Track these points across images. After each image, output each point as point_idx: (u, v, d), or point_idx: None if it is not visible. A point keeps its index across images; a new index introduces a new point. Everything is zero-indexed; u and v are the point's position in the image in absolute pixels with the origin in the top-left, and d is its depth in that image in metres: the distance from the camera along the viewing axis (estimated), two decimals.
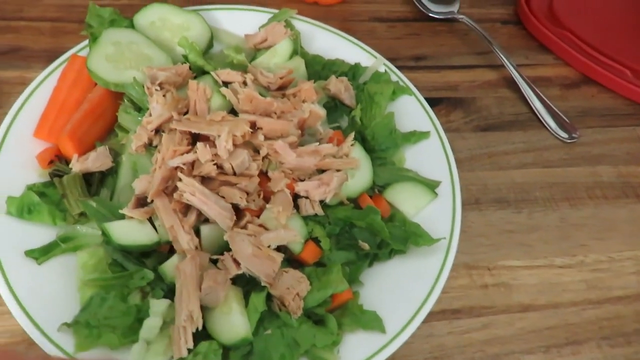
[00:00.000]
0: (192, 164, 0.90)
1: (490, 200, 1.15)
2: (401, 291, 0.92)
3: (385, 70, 1.18)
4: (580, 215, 1.16)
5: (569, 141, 1.27)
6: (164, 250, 0.90)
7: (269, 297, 0.86)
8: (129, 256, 0.86)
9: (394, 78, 1.17)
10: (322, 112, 1.01)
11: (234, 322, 0.82)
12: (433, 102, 1.19)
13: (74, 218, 0.90)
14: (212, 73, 1.03)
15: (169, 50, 1.09)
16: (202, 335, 0.81)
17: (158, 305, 0.81)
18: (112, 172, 0.96)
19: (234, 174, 0.90)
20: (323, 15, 1.32)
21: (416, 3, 1.47)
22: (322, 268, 0.91)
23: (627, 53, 1.39)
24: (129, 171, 0.95)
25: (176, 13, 1.14)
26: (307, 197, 0.94)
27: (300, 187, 0.93)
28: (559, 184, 1.20)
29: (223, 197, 0.88)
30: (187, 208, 0.88)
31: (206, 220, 0.89)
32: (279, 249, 0.88)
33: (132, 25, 1.11)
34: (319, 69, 1.19)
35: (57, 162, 0.95)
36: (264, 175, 0.94)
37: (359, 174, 0.99)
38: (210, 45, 1.15)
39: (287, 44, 1.14)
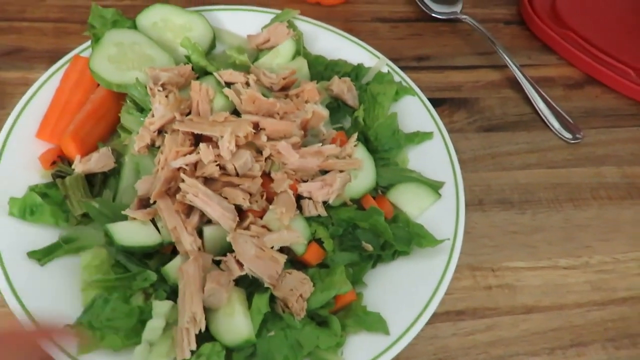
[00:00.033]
0: (195, 165, 0.90)
1: (494, 201, 1.15)
2: (405, 292, 0.91)
3: (388, 71, 1.18)
4: (584, 216, 1.15)
5: (572, 142, 1.27)
6: (167, 251, 0.89)
7: (272, 299, 0.85)
8: (132, 257, 0.86)
9: (396, 78, 1.17)
10: (325, 112, 1.01)
11: (237, 323, 0.81)
12: (436, 103, 1.19)
13: (76, 219, 0.90)
14: (215, 74, 1.03)
15: (171, 51, 1.09)
16: (205, 336, 0.80)
17: (161, 307, 0.81)
18: (114, 173, 0.96)
19: (237, 174, 0.90)
20: (325, 16, 1.31)
21: (419, 3, 1.47)
22: (325, 269, 0.91)
23: (631, 53, 1.38)
24: (131, 172, 0.94)
25: (178, 14, 1.14)
26: (310, 198, 0.94)
27: (303, 188, 0.93)
28: (563, 184, 1.20)
29: (226, 198, 0.88)
30: (189, 209, 0.88)
31: (209, 222, 0.89)
32: (282, 250, 0.88)
33: (134, 26, 1.11)
34: (322, 69, 1.18)
35: (59, 163, 0.95)
36: (266, 176, 0.93)
37: (362, 175, 0.99)
38: (212, 45, 1.15)
39: (290, 45, 1.13)
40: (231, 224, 0.86)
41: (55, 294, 0.83)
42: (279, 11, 1.22)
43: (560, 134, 1.27)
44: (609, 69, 1.37)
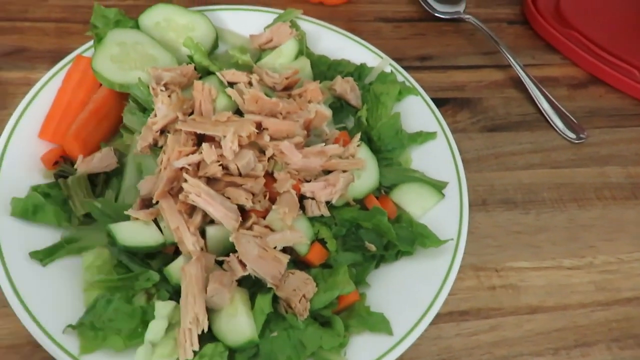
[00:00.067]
0: (198, 165, 0.89)
1: (498, 201, 1.14)
2: (408, 293, 0.91)
3: (392, 71, 1.18)
4: (588, 216, 1.15)
5: (576, 142, 1.26)
6: (170, 251, 0.89)
7: (275, 299, 0.85)
8: (134, 258, 0.86)
9: (400, 78, 1.17)
10: (328, 112, 1.01)
11: (240, 324, 0.81)
12: (439, 103, 1.19)
13: (78, 219, 0.90)
14: (218, 73, 1.02)
15: (174, 50, 1.09)
16: (207, 337, 0.80)
17: (163, 307, 0.80)
18: (117, 173, 0.96)
19: (240, 174, 0.90)
20: (328, 16, 1.31)
21: (422, 3, 1.47)
22: (328, 269, 0.90)
23: (635, 53, 1.37)
24: (134, 172, 0.94)
25: (181, 13, 1.14)
26: (313, 198, 0.93)
27: (306, 188, 0.93)
28: (567, 184, 1.19)
29: (229, 198, 0.88)
30: (192, 209, 0.88)
31: (212, 222, 0.88)
32: (285, 250, 0.87)
33: (137, 26, 1.10)
34: (325, 69, 1.18)
35: (62, 163, 0.95)
36: (269, 176, 0.93)
37: (365, 175, 0.98)
38: (215, 45, 1.15)
39: (293, 44, 1.13)
40: (234, 224, 0.86)
41: (57, 294, 0.83)
42: (281, 11, 1.22)
43: (564, 134, 1.27)
44: (613, 69, 1.37)
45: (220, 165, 0.88)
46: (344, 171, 0.95)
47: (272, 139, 0.93)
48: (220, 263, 0.86)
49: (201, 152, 0.88)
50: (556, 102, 1.30)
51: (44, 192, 0.90)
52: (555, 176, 1.20)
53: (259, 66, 1.09)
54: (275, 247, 0.86)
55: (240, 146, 0.89)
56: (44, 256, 0.85)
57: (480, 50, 1.41)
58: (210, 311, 0.82)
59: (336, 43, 1.22)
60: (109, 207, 0.89)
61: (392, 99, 1.11)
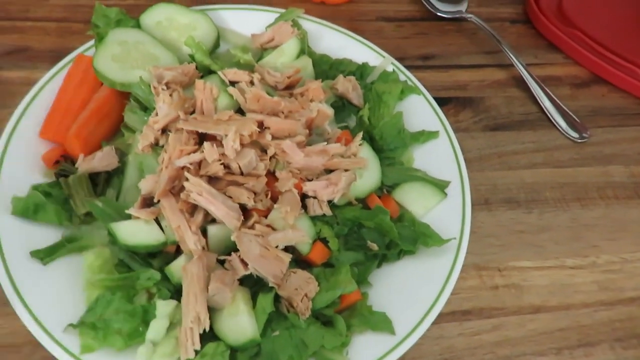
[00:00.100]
0: (199, 164, 0.89)
1: (500, 200, 1.14)
2: (410, 292, 0.91)
3: (393, 70, 1.17)
4: (591, 215, 1.14)
5: (579, 141, 1.26)
6: (171, 250, 0.89)
7: (277, 298, 0.85)
8: (136, 257, 0.86)
9: (402, 77, 1.16)
10: (330, 111, 1.00)
11: (242, 323, 0.81)
12: (442, 102, 1.18)
13: (79, 218, 0.90)
14: (219, 72, 1.02)
15: (175, 50, 1.08)
16: (209, 336, 0.80)
17: (165, 307, 0.80)
18: (118, 172, 0.96)
19: (241, 173, 0.90)
20: (330, 15, 1.31)
21: (424, 2, 1.46)
22: (330, 269, 0.90)
23: (638, 52, 1.37)
24: (135, 171, 0.94)
25: (183, 13, 1.14)
26: (315, 197, 0.93)
27: (308, 187, 0.92)
28: (570, 184, 1.19)
29: (230, 197, 0.87)
30: (194, 208, 0.88)
31: (213, 221, 0.88)
32: (286, 249, 0.87)
33: (138, 25, 1.10)
34: (327, 68, 1.18)
35: (62, 162, 0.95)
36: (271, 175, 0.93)
37: (367, 174, 0.98)
38: (216, 45, 1.15)
39: (294, 44, 1.13)
40: (235, 223, 0.85)
41: (58, 293, 0.83)
42: (283, 10, 1.22)
43: (566, 133, 1.27)
44: (616, 68, 1.36)
45: (221, 164, 0.88)
46: (346, 170, 0.95)
47: (274, 137, 0.93)
48: (221, 262, 0.86)
49: (203, 151, 0.87)
50: (559, 102, 1.30)
51: (45, 191, 0.90)
52: (558, 175, 1.20)
53: (261, 65, 1.09)
54: (277, 246, 0.85)
55: (242, 145, 0.89)
56: (45, 255, 0.85)
57: (482, 50, 1.41)
58: (212, 310, 0.81)
59: (338, 42, 1.22)
60: (110, 206, 0.89)
61: (394, 98, 1.11)
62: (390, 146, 1.07)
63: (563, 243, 1.10)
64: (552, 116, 1.28)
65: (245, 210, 0.88)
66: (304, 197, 0.93)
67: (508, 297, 1.01)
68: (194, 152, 0.89)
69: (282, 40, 1.14)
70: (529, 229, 1.11)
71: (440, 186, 1.02)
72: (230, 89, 0.98)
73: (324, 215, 0.93)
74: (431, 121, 1.11)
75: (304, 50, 1.15)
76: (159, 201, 0.87)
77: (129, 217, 0.87)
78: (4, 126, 0.96)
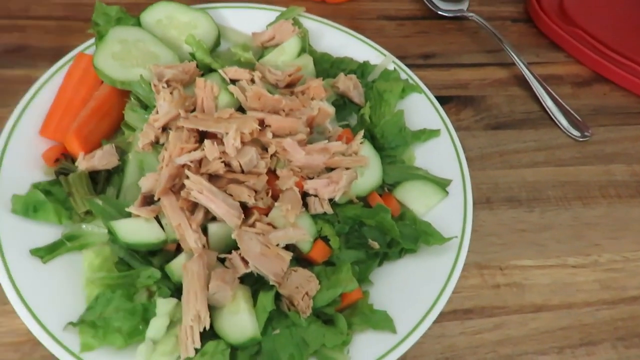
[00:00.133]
0: (200, 162, 0.89)
1: (502, 199, 1.13)
2: (412, 291, 0.90)
3: (395, 68, 1.17)
4: (593, 214, 1.14)
5: (581, 140, 1.25)
6: (171, 249, 0.88)
7: (278, 297, 0.84)
8: (136, 255, 0.85)
9: (403, 76, 1.16)
10: (331, 109, 1.00)
11: (242, 321, 0.80)
12: (443, 101, 1.18)
13: (79, 216, 0.89)
14: (220, 70, 1.02)
15: (175, 48, 1.08)
16: (209, 334, 0.80)
17: (165, 305, 0.80)
18: (118, 171, 0.95)
19: (242, 171, 0.89)
20: (331, 14, 1.31)
21: (425, 1, 1.46)
22: (331, 267, 0.90)
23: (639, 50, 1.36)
24: (135, 169, 0.94)
25: (183, 11, 1.13)
26: (316, 196, 0.93)
27: (309, 185, 0.92)
28: (572, 182, 1.18)
29: (231, 195, 0.87)
30: (194, 206, 0.87)
31: (214, 219, 0.88)
32: (287, 247, 0.87)
33: (138, 24, 1.10)
34: (328, 67, 1.18)
35: (62, 161, 0.94)
36: (272, 173, 0.92)
37: (368, 172, 0.98)
38: (217, 43, 1.15)
39: (295, 42, 1.13)
40: (236, 221, 0.85)
41: (58, 291, 0.83)
42: (284, 9, 1.22)
43: (568, 132, 1.26)
44: (618, 67, 1.36)
45: (222, 162, 0.87)
46: (347, 168, 0.94)
47: (274, 136, 0.93)
48: (222, 260, 0.86)
49: (203, 149, 0.87)
50: (560, 100, 1.29)
51: (45, 189, 0.90)
52: (559, 174, 1.19)
53: (262, 64, 1.08)
54: (277, 245, 0.85)
55: (243, 143, 0.88)
56: (45, 253, 0.85)
57: (483, 48, 1.41)
58: (212, 308, 0.81)
59: (339, 41, 1.22)
60: (110, 204, 0.88)
61: (395, 97, 1.11)
62: (391, 144, 1.07)
63: (565, 242, 1.09)
64: (553, 115, 1.28)
65: (245, 209, 0.88)
66: (304, 195, 0.92)
67: (510, 296, 1.01)
68: (195, 150, 0.88)
69: (283, 39, 1.14)
70: (530, 227, 1.10)
71: (442, 185, 1.01)
72: (231, 87, 0.97)
73: (325, 213, 0.92)
74: (432, 120, 1.11)
75: (305, 48, 1.15)
76: (159, 199, 0.86)
77: (129, 215, 0.87)
78: (4, 124, 0.96)
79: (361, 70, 1.17)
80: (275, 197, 0.90)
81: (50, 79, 1.03)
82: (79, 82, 1.02)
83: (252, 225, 0.86)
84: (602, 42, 1.38)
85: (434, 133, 1.09)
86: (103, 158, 0.93)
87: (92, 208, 0.88)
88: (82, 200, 0.89)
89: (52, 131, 0.97)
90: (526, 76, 1.32)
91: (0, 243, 0.84)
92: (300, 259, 0.90)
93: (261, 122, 0.93)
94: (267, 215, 0.88)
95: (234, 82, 1.01)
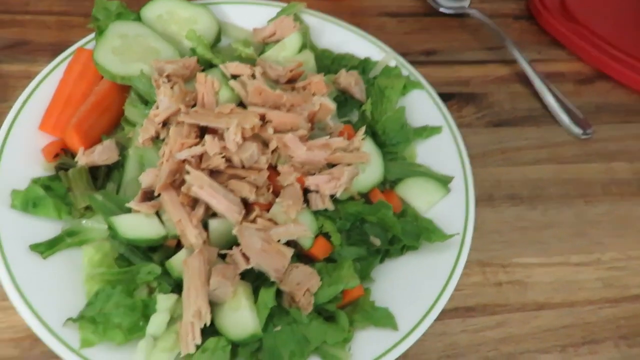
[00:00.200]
0: (200, 157, 0.88)
1: (504, 196, 1.13)
2: (413, 288, 0.90)
3: (396, 65, 1.16)
4: (595, 212, 1.13)
5: (583, 137, 1.25)
6: (172, 244, 0.88)
7: (279, 293, 0.84)
8: (136, 251, 0.85)
9: (404, 72, 1.15)
10: (333, 105, 0.99)
11: (243, 318, 0.80)
12: (444, 98, 1.17)
13: (79, 212, 0.89)
14: (221, 66, 1.01)
15: (176, 43, 1.08)
16: (210, 331, 0.79)
17: (165, 301, 0.80)
18: (118, 166, 0.95)
19: (243, 167, 0.89)
20: (332, 10, 1.30)
21: None
22: (332, 264, 0.89)
23: None
24: (135, 165, 0.93)
25: (184, 6, 1.13)
26: (317, 192, 0.92)
27: (310, 181, 0.91)
28: (574, 180, 1.18)
29: (232, 191, 0.86)
30: (195, 202, 0.87)
31: (214, 214, 0.87)
32: (288, 243, 0.86)
33: (139, 19, 1.09)
34: (329, 63, 1.17)
35: (62, 156, 0.94)
36: (273, 169, 0.92)
37: (369, 169, 0.97)
38: (218, 39, 1.14)
39: (296, 38, 1.12)
40: (237, 217, 0.84)
41: (57, 287, 0.82)
42: (285, 4, 1.21)
43: (570, 129, 1.25)
44: (620, 64, 1.35)
45: (223, 157, 0.87)
46: (349, 165, 0.94)
47: (275, 131, 0.92)
48: (223, 256, 0.85)
49: (204, 144, 0.86)
50: (562, 98, 1.28)
51: (45, 184, 0.90)
52: (561, 172, 1.19)
53: (263, 59, 1.08)
54: (278, 241, 0.84)
55: (244, 138, 0.88)
56: (45, 249, 0.84)
57: (485, 46, 1.40)
58: (213, 305, 0.80)
59: (340, 37, 1.21)
60: (110, 200, 0.88)
61: (397, 93, 1.10)
62: (392, 141, 1.06)
63: (567, 240, 1.09)
64: (555, 112, 1.27)
65: (246, 204, 0.87)
66: (306, 191, 0.92)
67: (512, 294, 1.00)
68: (195, 145, 0.88)
69: (284, 35, 1.13)
70: (532, 225, 1.10)
71: (444, 181, 1.01)
72: (232, 82, 0.97)
73: (326, 209, 0.91)
74: (434, 116, 1.10)
75: (306, 44, 1.14)
76: (159, 195, 0.86)
77: (129, 210, 0.86)
78: (3, 119, 0.95)
79: (362, 66, 1.16)
80: (276, 193, 0.90)
81: (50, 74, 1.02)
82: (79, 77, 1.01)
83: (253, 221, 0.86)
84: (605, 40, 1.37)
85: (435, 130, 1.08)
86: (103, 153, 0.93)
87: (92, 203, 0.87)
88: (82, 195, 0.88)
89: (51, 126, 0.97)
90: (528, 73, 1.31)
91: (0, 238, 0.83)
92: (301, 256, 0.89)
93: (262, 118, 0.92)
94: (268, 211, 0.88)
95: (234, 77, 1.00)
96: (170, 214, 0.84)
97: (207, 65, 1.05)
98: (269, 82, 1.01)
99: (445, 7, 1.44)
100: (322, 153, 0.93)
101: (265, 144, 0.92)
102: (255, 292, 0.83)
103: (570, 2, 1.45)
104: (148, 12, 1.10)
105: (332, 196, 0.92)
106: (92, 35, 1.07)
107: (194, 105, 0.95)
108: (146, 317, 0.79)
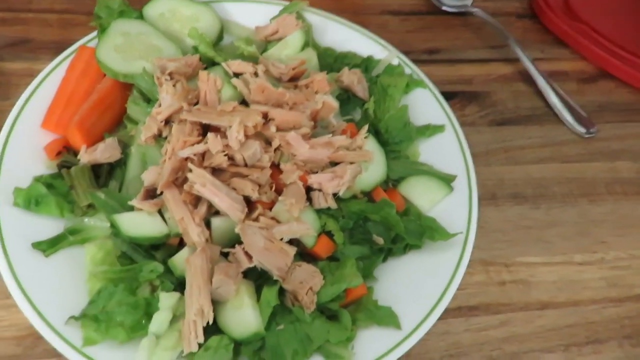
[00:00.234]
0: (203, 155, 0.88)
1: (507, 195, 1.13)
2: (416, 287, 0.90)
3: (399, 63, 1.16)
4: (599, 211, 1.13)
5: (586, 136, 1.24)
6: (174, 242, 0.87)
7: (282, 292, 0.84)
8: (138, 249, 0.84)
9: (407, 71, 1.15)
10: (335, 103, 0.99)
11: (246, 316, 0.79)
12: (447, 96, 1.17)
13: (82, 210, 0.88)
14: (223, 64, 1.01)
15: (178, 41, 1.07)
16: (212, 329, 0.79)
17: (168, 299, 0.79)
18: (120, 164, 0.94)
19: (246, 165, 0.88)
20: (334, 8, 1.29)
21: None
22: (335, 262, 0.89)
23: None
24: (138, 162, 0.93)
25: (186, 5, 1.12)
26: (320, 190, 0.92)
27: (313, 180, 0.91)
28: (577, 179, 1.17)
29: (234, 189, 0.86)
30: (197, 200, 0.86)
31: (217, 213, 0.87)
32: (291, 242, 0.86)
33: (141, 17, 1.09)
34: (331, 61, 1.17)
35: (65, 154, 0.94)
36: (276, 167, 0.91)
37: (372, 167, 0.97)
38: (220, 37, 1.14)
39: (299, 36, 1.12)
40: (240, 215, 0.84)
41: (60, 285, 0.82)
42: (287, 2, 1.20)
43: (573, 128, 1.25)
44: (623, 63, 1.35)
45: (225, 155, 0.86)
46: (352, 163, 0.93)
47: (278, 129, 0.92)
48: (225, 255, 0.85)
49: (206, 142, 0.86)
50: (566, 97, 1.28)
51: (47, 182, 0.89)
52: (565, 171, 1.18)
53: (265, 57, 1.07)
54: (281, 239, 0.84)
55: (246, 136, 0.87)
56: (47, 247, 0.84)
57: (488, 44, 1.40)
58: (216, 303, 0.80)
59: (343, 35, 1.20)
60: (113, 198, 0.88)
61: (400, 92, 1.10)
62: (395, 139, 1.05)
63: (571, 239, 1.08)
64: (559, 111, 1.27)
65: (249, 203, 0.87)
66: (308, 189, 0.92)
67: (515, 293, 1.00)
68: (198, 143, 0.87)
69: (287, 33, 1.13)
70: (536, 224, 1.09)
71: (447, 180, 1.00)
72: (234, 80, 0.96)
73: (329, 208, 0.91)
74: (437, 115, 1.10)
75: (309, 42, 1.14)
76: (162, 193, 0.86)
77: (131, 208, 0.86)
78: (6, 117, 0.95)
79: (365, 64, 1.16)
80: (279, 191, 0.90)
81: (52, 72, 1.02)
82: (81, 75, 1.01)
83: (256, 220, 0.85)
84: (608, 38, 1.37)
85: (438, 128, 1.08)
86: (105, 151, 0.92)
87: (94, 201, 0.87)
88: (85, 193, 0.88)
89: (54, 124, 0.96)
90: (531, 72, 1.31)
91: (2, 236, 0.83)
92: (304, 254, 0.89)
93: (265, 116, 0.92)
94: (270, 209, 0.88)
95: (237, 75, 1.00)
96: (172, 212, 0.84)
97: (209, 63, 1.04)
98: (272, 80, 1.00)
99: (448, 6, 1.44)
100: (325, 151, 0.92)
101: (267, 142, 0.92)
102: (258, 291, 0.83)
103: (574, 1, 1.44)
104: (150, 10, 1.10)
105: (335, 194, 0.92)
106: (95, 33, 1.07)
107: (197, 103, 0.95)
108: (149, 316, 0.79)
